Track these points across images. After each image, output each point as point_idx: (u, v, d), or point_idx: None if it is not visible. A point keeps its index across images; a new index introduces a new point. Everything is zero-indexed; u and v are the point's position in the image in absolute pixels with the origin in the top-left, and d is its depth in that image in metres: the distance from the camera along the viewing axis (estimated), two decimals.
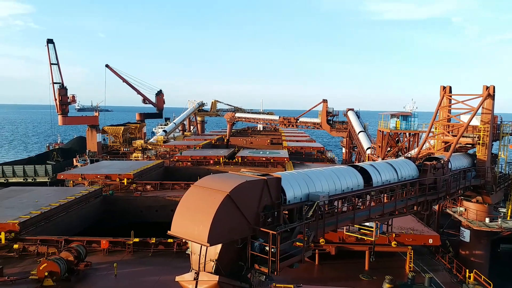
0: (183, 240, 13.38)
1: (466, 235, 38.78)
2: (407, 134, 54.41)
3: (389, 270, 27.98)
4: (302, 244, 15.02)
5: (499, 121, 39.50)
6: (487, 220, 37.56)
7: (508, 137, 39.92)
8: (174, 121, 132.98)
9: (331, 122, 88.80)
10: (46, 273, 24.98)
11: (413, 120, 53.81)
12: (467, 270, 27.67)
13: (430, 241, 29.98)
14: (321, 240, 28.66)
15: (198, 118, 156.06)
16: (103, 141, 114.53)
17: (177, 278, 13.13)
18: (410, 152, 43.82)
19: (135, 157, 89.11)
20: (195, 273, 12.68)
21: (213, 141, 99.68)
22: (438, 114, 37.55)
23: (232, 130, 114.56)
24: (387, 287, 25.52)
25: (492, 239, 39.86)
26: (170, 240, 31.81)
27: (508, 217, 39.86)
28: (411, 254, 29.16)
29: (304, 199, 15.88)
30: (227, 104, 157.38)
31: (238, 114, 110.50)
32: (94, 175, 50.58)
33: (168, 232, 12.60)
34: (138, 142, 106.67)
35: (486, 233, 37.60)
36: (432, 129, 37.61)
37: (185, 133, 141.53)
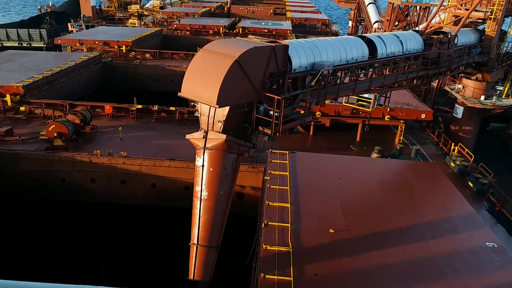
0: (191, 104, 13.84)
1: (459, 111, 39.76)
2: (418, 7, 51.90)
3: (380, 142, 29.49)
4: (303, 110, 15.69)
5: None
6: (482, 97, 38.17)
7: None
8: None
9: None
10: (55, 134, 26.30)
11: None
12: (453, 144, 29.07)
13: (423, 116, 31.01)
14: (317, 112, 29.56)
15: None
16: (97, 6, 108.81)
17: (187, 136, 14.01)
18: (419, 26, 42.34)
19: (131, 23, 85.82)
20: (204, 132, 13.49)
21: (212, 9, 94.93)
22: None
23: None
24: (375, 156, 27.27)
25: (483, 117, 41.06)
26: (172, 108, 32.77)
27: (504, 95, 40.54)
28: (402, 128, 30.43)
29: (309, 68, 15.98)
30: None
31: None
32: (92, 41, 49.54)
33: (179, 94, 13.01)
34: (134, 8, 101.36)
35: (478, 110, 38.56)
36: (445, 2, 35.74)
37: None
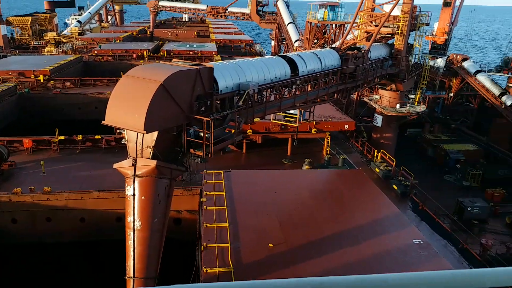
0: (117, 131, 13.45)
1: (378, 120, 42.68)
2: (334, 25, 55.23)
3: (309, 154, 30.76)
4: (233, 130, 15.95)
5: (418, 11, 41.30)
6: (397, 106, 41.34)
7: (424, 28, 42.29)
8: (89, 11, 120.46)
9: (261, 12, 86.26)
10: None
11: (340, 10, 54.14)
12: (376, 151, 31.08)
13: (346, 126, 32.97)
14: (248, 130, 30.14)
15: (116, 7, 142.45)
16: (9, 34, 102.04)
17: (115, 165, 13.50)
18: (336, 43, 45.06)
19: (48, 51, 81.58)
20: (133, 159, 13.10)
21: (134, 33, 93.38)
22: (363, 3, 38.10)
23: (156, 21, 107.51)
24: (306, 168, 28.32)
25: (400, 124, 44.40)
26: (97, 137, 31.49)
27: (416, 103, 44.21)
28: (328, 139, 32.03)
29: (236, 88, 16.36)
30: None
31: (161, 3, 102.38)
32: (5, 72, 46.33)
33: (103, 122, 12.57)
34: (50, 35, 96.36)
35: (396, 118, 41.68)
36: (357, 20, 38.47)
37: (102, 24, 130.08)
